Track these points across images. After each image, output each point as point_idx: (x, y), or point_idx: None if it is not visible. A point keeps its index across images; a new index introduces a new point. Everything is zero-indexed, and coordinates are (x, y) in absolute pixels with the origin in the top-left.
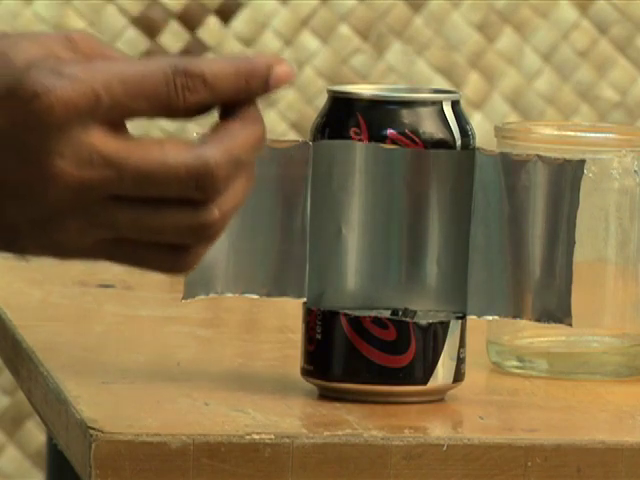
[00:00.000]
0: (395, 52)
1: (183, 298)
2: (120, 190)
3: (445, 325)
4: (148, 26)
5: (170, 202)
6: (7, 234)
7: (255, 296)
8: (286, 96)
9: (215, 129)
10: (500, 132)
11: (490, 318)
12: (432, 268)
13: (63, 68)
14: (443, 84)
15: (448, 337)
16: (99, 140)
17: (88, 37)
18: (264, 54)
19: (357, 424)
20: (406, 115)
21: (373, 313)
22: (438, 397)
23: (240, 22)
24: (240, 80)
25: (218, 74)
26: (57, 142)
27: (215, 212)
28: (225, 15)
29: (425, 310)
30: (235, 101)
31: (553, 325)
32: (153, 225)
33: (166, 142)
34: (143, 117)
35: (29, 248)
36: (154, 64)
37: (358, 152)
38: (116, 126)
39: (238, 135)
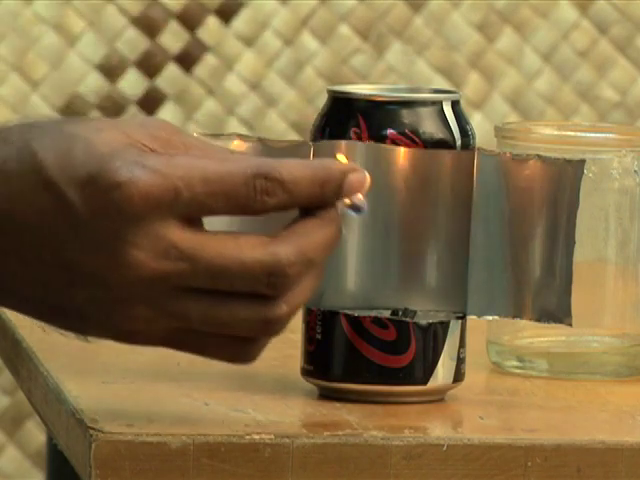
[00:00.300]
0: (395, 52)
1: None
2: (193, 282)
3: (445, 325)
4: (148, 26)
5: (240, 296)
6: (73, 317)
7: None
8: (286, 96)
9: (291, 226)
10: (500, 132)
11: (490, 318)
12: (432, 268)
13: (146, 160)
14: (443, 84)
15: (448, 337)
16: (175, 233)
17: (168, 126)
18: (341, 162)
19: (357, 424)
20: (406, 115)
21: (373, 313)
22: (438, 397)
23: (240, 22)
24: (315, 186)
25: (296, 179)
26: (134, 233)
27: (283, 308)
28: (225, 15)
29: (425, 310)
30: (309, 205)
31: (553, 325)
32: (222, 317)
33: (241, 237)
34: (220, 215)
35: (93, 331)
36: (235, 165)
37: (358, 152)
38: (192, 220)
39: (313, 235)
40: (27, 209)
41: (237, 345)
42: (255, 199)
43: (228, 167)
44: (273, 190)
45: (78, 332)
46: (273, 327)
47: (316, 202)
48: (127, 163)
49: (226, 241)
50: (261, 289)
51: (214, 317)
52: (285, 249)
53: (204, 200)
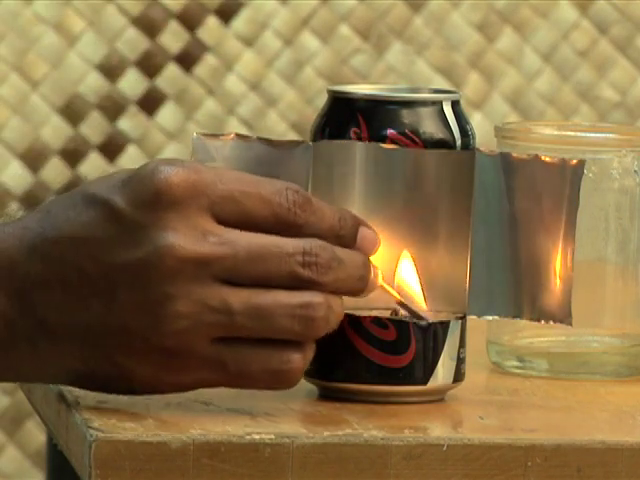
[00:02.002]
0: (395, 52)
1: None
2: (233, 267)
3: (445, 325)
4: (148, 26)
5: (278, 285)
6: (116, 341)
7: None
8: (286, 96)
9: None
10: (500, 132)
11: (490, 318)
12: (432, 268)
13: (181, 161)
14: (443, 84)
15: (448, 337)
16: (212, 223)
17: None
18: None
19: (357, 424)
20: (406, 115)
21: (373, 313)
22: (438, 397)
23: (240, 22)
24: (335, 216)
25: (319, 203)
26: (173, 218)
27: (320, 296)
28: (225, 15)
29: (425, 310)
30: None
31: (553, 325)
32: (263, 305)
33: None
34: (251, 221)
35: (138, 352)
36: (267, 179)
37: (358, 152)
38: (227, 220)
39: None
40: (73, 226)
41: (281, 351)
42: (289, 208)
43: (262, 178)
44: (303, 204)
45: (120, 360)
46: (313, 317)
47: (331, 235)
48: (162, 162)
49: (261, 233)
50: (297, 269)
51: (256, 307)
52: (316, 240)
53: (239, 198)
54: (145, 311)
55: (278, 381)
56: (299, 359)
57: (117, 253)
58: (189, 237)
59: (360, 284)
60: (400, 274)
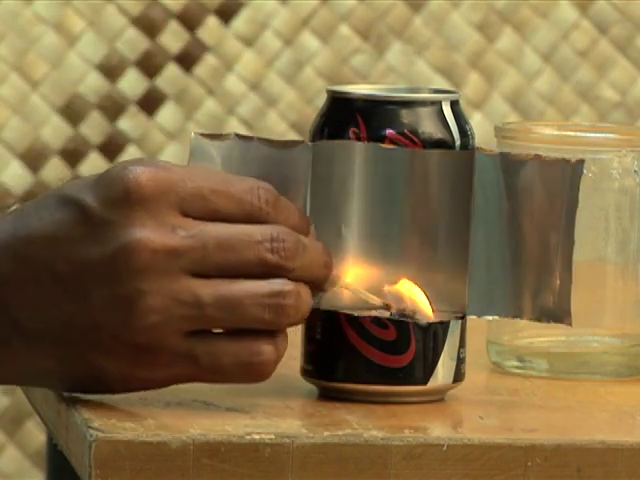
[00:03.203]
0: (395, 52)
1: None
2: (202, 259)
3: (445, 325)
4: (148, 26)
5: (248, 275)
6: (87, 338)
7: None
8: (286, 96)
9: None
10: (500, 132)
11: (490, 318)
12: (432, 268)
13: (150, 160)
14: (443, 84)
15: (448, 337)
16: (181, 219)
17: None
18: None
19: (357, 424)
20: (405, 115)
21: (373, 313)
22: (438, 397)
23: (240, 22)
24: (300, 215)
25: (288, 201)
26: (141, 216)
27: (289, 284)
28: (225, 15)
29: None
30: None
31: (553, 325)
32: (233, 295)
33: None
34: (220, 218)
35: (109, 347)
36: (237, 176)
37: (358, 152)
38: (196, 215)
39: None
40: (45, 225)
41: (252, 343)
42: (260, 207)
43: (231, 175)
44: (274, 203)
45: (93, 358)
46: (284, 302)
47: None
48: (132, 161)
49: (229, 223)
50: (266, 255)
51: (225, 297)
52: (282, 228)
53: (208, 195)
54: (116, 307)
55: (250, 374)
56: (271, 351)
57: (87, 251)
58: (158, 232)
59: (325, 271)
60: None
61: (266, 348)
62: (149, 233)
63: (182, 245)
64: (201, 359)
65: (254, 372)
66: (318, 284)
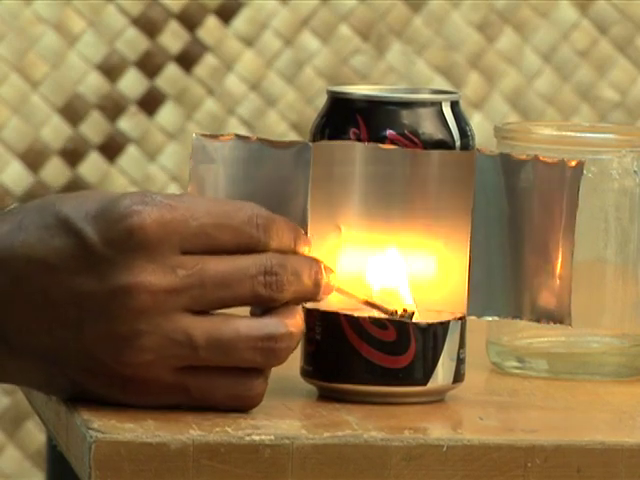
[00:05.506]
0: (395, 52)
1: None
2: (199, 296)
3: (445, 325)
4: (148, 26)
5: (242, 317)
6: (78, 367)
7: None
8: (286, 96)
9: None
10: (500, 132)
11: (490, 318)
12: (432, 268)
13: (154, 196)
14: (443, 84)
15: (448, 337)
16: (181, 259)
17: None
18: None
19: (357, 425)
20: (405, 116)
21: (373, 314)
22: (438, 398)
23: (240, 22)
24: (291, 232)
25: (281, 222)
26: (143, 259)
27: (282, 326)
28: (225, 15)
29: (425, 310)
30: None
31: (553, 325)
32: (225, 336)
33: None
34: (220, 249)
35: (101, 379)
36: (236, 204)
37: (358, 152)
38: (198, 252)
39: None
40: (45, 250)
41: (243, 379)
42: (259, 238)
43: (229, 204)
44: (268, 228)
45: (84, 386)
46: (276, 346)
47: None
48: (136, 197)
49: (225, 255)
50: (260, 290)
51: (218, 339)
52: (275, 256)
53: (211, 232)
54: (110, 342)
55: (240, 405)
56: (261, 384)
57: (84, 283)
58: (158, 274)
59: (316, 290)
60: (385, 274)
61: (256, 382)
62: (149, 276)
63: (182, 284)
64: (192, 391)
65: (244, 403)
66: (310, 301)
